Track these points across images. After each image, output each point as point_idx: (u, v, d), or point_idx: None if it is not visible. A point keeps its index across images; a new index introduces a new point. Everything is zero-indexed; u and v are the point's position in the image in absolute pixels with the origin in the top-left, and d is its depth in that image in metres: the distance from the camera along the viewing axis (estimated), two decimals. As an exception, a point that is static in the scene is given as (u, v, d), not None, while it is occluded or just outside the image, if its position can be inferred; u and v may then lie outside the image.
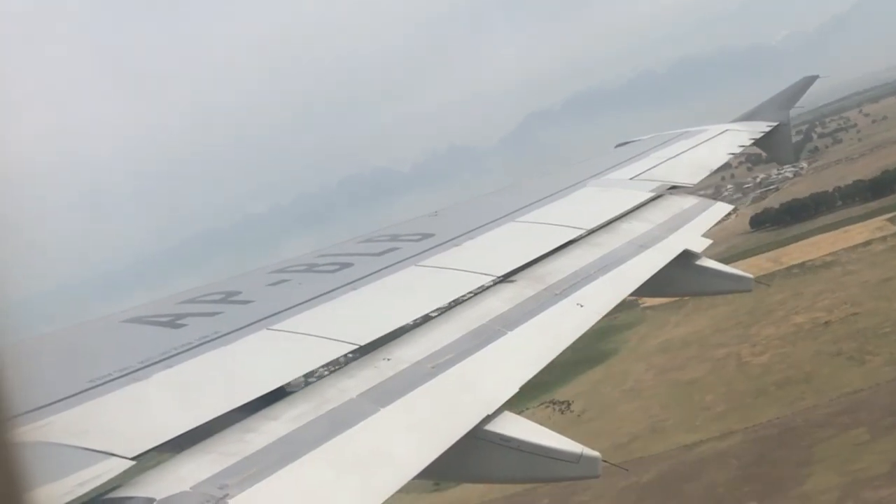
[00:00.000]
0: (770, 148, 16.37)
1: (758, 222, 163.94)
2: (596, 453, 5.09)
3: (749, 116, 16.94)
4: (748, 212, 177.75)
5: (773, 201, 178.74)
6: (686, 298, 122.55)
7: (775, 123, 16.25)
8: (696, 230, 9.15)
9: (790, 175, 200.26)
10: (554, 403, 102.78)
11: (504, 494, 76.19)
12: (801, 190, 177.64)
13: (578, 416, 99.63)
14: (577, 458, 4.99)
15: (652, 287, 7.88)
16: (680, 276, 8.42)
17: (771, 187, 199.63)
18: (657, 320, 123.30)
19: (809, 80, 17.62)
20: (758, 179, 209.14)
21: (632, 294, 7.61)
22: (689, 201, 10.17)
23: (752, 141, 15.06)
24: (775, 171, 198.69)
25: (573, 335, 6.25)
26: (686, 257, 8.42)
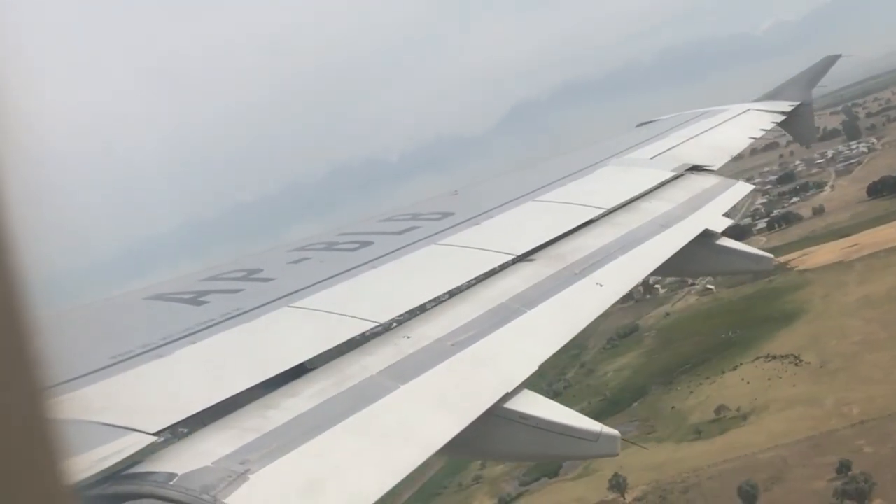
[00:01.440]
0: (792, 128, 16.23)
1: (874, 190, 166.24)
2: (615, 432, 5.11)
3: (771, 96, 16.80)
4: (845, 183, 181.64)
5: (868, 173, 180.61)
6: (851, 259, 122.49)
7: (797, 103, 16.10)
8: (716, 210, 9.10)
9: (865, 150, 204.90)
10: (776, 357, 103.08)
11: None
12: (886, 163, 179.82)
13: (821, 367, 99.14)
14: (597, 437, 5.00)
15: (672, 267, 7.85)
16: (700, 256, 8.39)
17: (852, 160, 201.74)
18: (829, 281, 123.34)
19: (832, 60, 17.46)
20: (829, 155, 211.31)
21: (652, 273, 7.59)
22: (710, 181, 10.10)
23: (774, 124, 14.95)
24: (846, 147, 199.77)
25: (593, 314, 6.24)
26: (706, 237, 8.39)
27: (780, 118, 15.24)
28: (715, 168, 10.75)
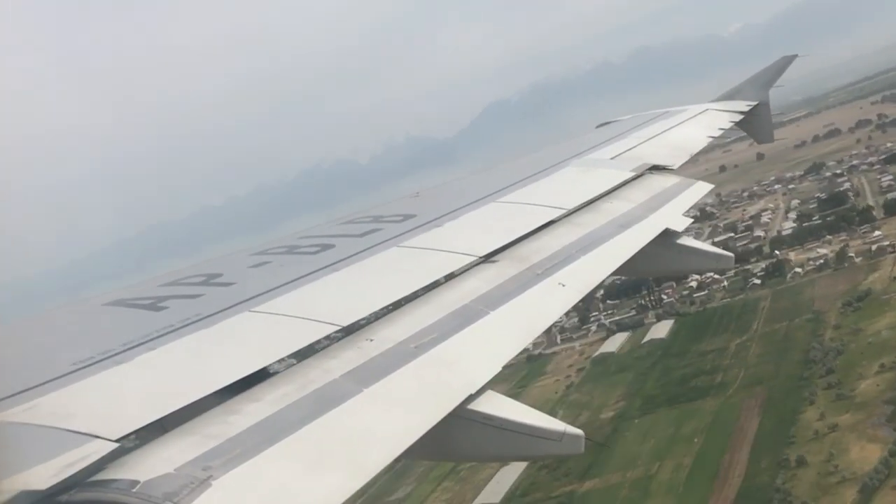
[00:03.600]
0: (750, 127, 16.44)
1: None
2: (579, 431, 5.13)
3: (729, 96, 17.01)
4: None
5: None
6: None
7: (755, 103, 16.31)
8: (676, 209, 9.17)
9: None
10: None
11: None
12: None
13: None
14: (561, 437, 5.02)
15: (633, 266, 7.90)
16: (661, 255, 8.45)
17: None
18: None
19: (788, 60, 17.70)
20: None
21: (613, 273, 7.64)
22: (670, 180, 10.19)
23: (732, 123, 15.12)
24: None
25: (555, 314, 6.27)
26: (667, 236, 8.45)
27: (739, 118, 15.43)
28: (674, 168, 10.85)
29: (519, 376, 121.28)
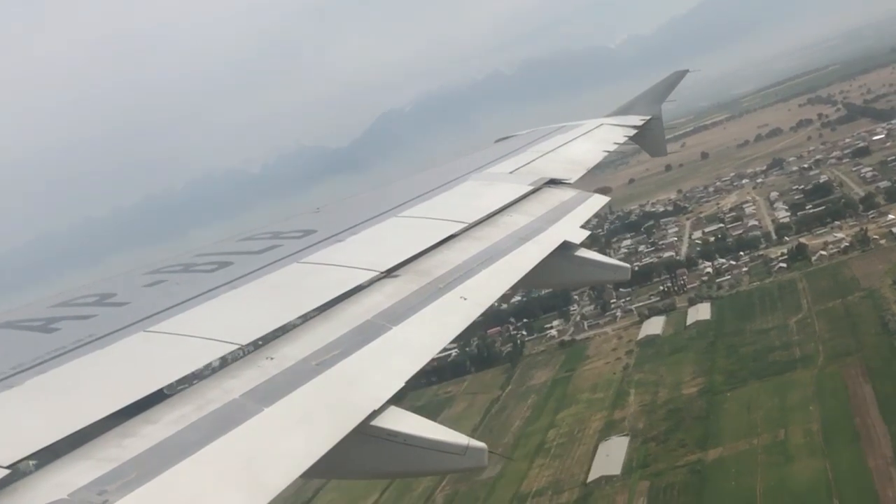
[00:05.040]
0: (644, 141, 16.86)
1: None
2: (482, 445, 5.15)
3: (623, 111, 17.43)
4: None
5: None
6: None
7: (648, 117, 16.75)
8: (574, 222, 9.31)
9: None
10: None
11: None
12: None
13: None
14: (464, 451, 5.03)
15: (533, 279, 7.99)
16: (560, 267, 8.57)
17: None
18: None
19: (680, 75, 18.23)
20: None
21: (513, 286, 7.71)
22: (568, 193, 10.35)
23: (627, 138, 15.48)
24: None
25: (458, 328, 6.29)
26: (565, 248, 8.58)
27: (633, 132, 15.82)
28: (571, 181, 11.03)
29: (559, 361, 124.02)
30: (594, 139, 14.40)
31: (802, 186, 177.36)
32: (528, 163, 11.85)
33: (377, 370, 5.33)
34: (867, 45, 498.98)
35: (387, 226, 8.45)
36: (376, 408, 4.85)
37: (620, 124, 15.99)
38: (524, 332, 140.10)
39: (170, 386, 4.69)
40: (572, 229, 9.04)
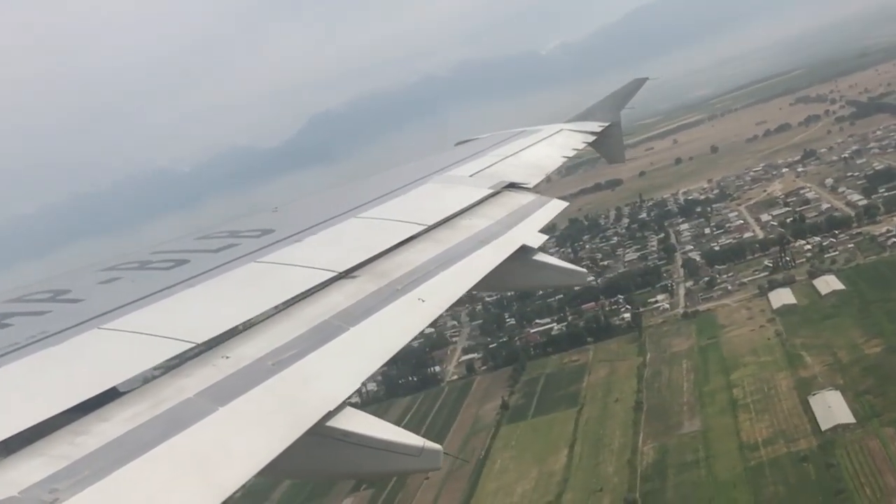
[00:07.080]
0: (602, 147, 17.02)
1: None
2: (437, 446, 5.16)
3: (582, 117, 17.56)
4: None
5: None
6: None
7: (607, 124, 16.91)
8: (533, 226, 9.37)
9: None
10: None
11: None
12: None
13: None
14: (419, 452, 5.04)
15: (492, 282, 8.03)
16: (518, 271, 8.62)
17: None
18: None
19: (640, 83, 18.40)
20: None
21: (472, 289, 7.74)
22: (527, 198, 10.41)
23: (586, 143, 15.61)
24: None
25: (415, 330, 6.29)
26: (524, 252, 8.63)
27: (591, 138, 15.95)
28: (531, 185, 11.10)
29: (690, 331, 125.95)
30: (554, 144, 14.50)
31: (858, 174, 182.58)
32: (489, 166, 11.90)
33: (334, 371, 5.33)
34: (811, 52, 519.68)
35: (346, 226, 8.44)
36: (332, 408, 4.84)
37: (580, 130, 16.11)
38: (628, 306, 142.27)
39: (124, 384, 4.66)
40: (531, 233, 9.10)
